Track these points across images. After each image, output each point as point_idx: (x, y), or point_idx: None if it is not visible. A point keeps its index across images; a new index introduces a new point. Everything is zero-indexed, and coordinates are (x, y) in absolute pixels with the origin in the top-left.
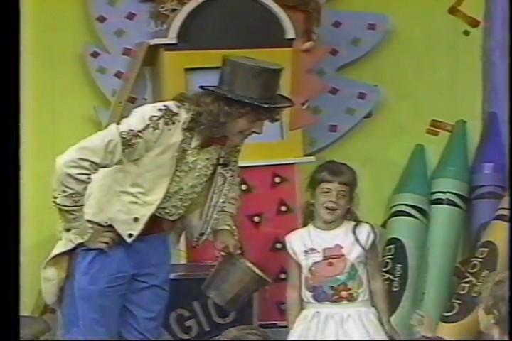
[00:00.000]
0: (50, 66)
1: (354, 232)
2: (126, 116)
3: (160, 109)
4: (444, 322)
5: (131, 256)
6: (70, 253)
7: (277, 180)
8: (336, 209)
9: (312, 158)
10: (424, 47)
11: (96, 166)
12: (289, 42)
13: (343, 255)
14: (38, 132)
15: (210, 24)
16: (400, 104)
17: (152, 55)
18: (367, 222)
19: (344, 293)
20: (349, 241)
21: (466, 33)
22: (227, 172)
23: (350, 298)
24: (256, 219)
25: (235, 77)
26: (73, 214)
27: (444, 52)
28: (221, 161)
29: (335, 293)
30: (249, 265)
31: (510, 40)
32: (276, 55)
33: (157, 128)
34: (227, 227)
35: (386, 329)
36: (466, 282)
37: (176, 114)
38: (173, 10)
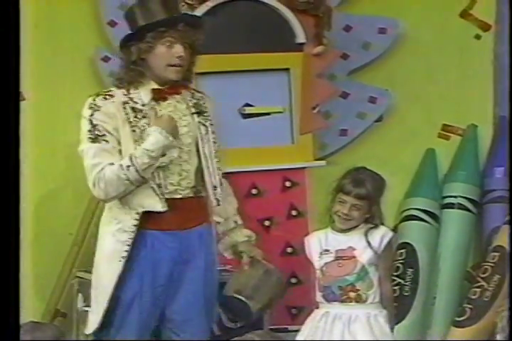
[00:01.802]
0: (60, 70)
1: (366, 235)
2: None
3: (90, 96)
4: (456, 326)
5: (162, 255)
6: None
7: (288, 184)
8: (349, 220)
9: (323, 163)
10: (435, 51)
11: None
12: (299, 47)
13: (354, 256)
14: (48, 137)
15: (220, 28)
16: (411, 108)
17: None
18: (384, 226)
19: (352, 294)
20: (362, 244)
21: (478, 36)
22: (206, 121)
23: (359, 299)
24: (266, 223)
25: (132, 19)
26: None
27: (455, 56)
28: (193, 110)
29: (343, 293)
30: (280, 274)
31: (510, 44)
32: (286, 59)
33: (99, 107)
34: (246, 238)
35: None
36: (478, 287)
37: (109, 90)
38: None
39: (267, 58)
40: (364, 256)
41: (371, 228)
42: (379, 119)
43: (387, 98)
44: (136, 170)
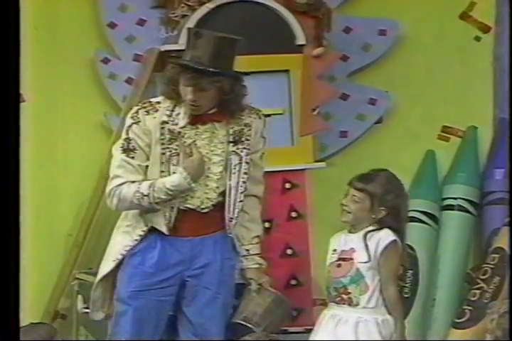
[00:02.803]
0: (60, 72)
1: (365, 238)
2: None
3: (137, 105)
4: (456, 328)
5: (171, 258)
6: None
7: (288, 185)
8: (347, 213)
9: (323, 164)
10: (435, 53)
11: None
12: (299, 48)
13: (351, 258)
14: (48, 139)
15: (221, 30)
16: (410, 109)
17: (163, 61)
18: (389, 229)
19: (344, 296)
20: (360, 246)
21: (478, 38)
22: (242, 151)
23: (350, 302)
24: (266, 225)
25: (188, 44)
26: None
27: (455, 58)
28: (230, 139)
29: (337, 295)
30: (288, 303)
31: (510, 45)
32: (286, 61)
33: (138, 121)
34: (256, 266)
35: (394, 336)
36: (478, 288)
37: (157, 103)
38: (184, 16)
39: (267, 60)
40: (360, 258)
41: (372, 230)
42: (379, 121)
43: (387, 100)
44: (150, 202)
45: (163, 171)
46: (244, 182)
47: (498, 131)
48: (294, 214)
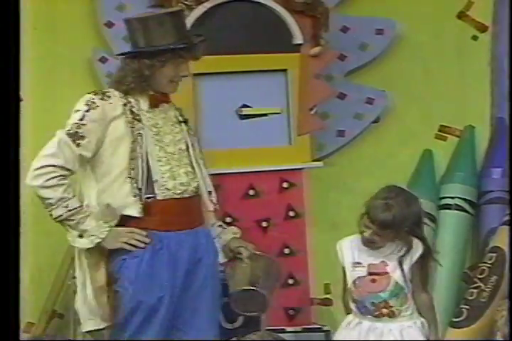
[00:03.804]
0: (58, 71)
1: (400, 256)
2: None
3: (91, 92)
4: (453, 327)
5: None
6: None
7: (285, 185)
8: (372, 243)
9: (320, 163)
10: (432, 52)
11: (61, 168)
12: (296, 48)
13: (387, 272)
14: (45, 137)
15: (218, 29)
16: (408, 109)
17: None
18: (415, 236)
19: (385, 310)
20: (394, 260)
21: (475, 38)
22: (190, 129)
23: (392, 315)
24: (264, 224)
25: (143, 31)
26: (73, 220)
27: (452, 57)
28: (181, 119)
29: (376, 309)
30: (276, 261)
31: (509, 45)
32: (284, 60)
33: (97, 106)
34: (234, 235)
35: (430, 339)
36: (475, 287)
37: (107, 91)
38: None
39: (265, 59)
40: (397, 272)
41: (401, 245)
42: (376, 120)
43: (385, 99)
44: (58, 219)
45: (133, 151)
46: (202, 158)
47: (495, 130)
48: (291, 214)
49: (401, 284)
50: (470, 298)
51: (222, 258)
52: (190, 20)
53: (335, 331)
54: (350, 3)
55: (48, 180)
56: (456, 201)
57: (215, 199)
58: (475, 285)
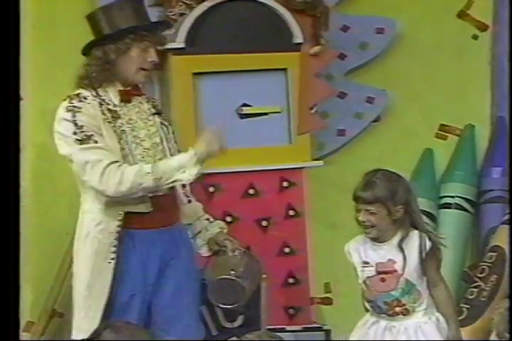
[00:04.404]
0: (57, 70)
1: (402, 248)
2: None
3: (64, 100)
4: None
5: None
6: None
7: (285, 184)
8: (371, 227)
9: (320, 163)
10: (432, 52)
11: (111, 163)
12: (297, 47)
13: (395, 270)
14: (45, 137)
15: (218, 28)
16: (408, 108)
17: (160, 60)
18: (420, 230)
19: (398, 309)
20: (400, 256)
21: (475, 37)
22: (165, 121)
23: (406, 313)
24: (264, 223)
25: (105, 21)
26: (162, 174)
27: (452, 57)
28: (153, 111)
29: (389, 308)
30: (259, 260)
31: (509, 44)
32: (284, 59)
33: (80, 108)
34: (220, 230)
35: (450, 334)
36: (475, 287)
37: (79, 93)
38: (182, 14)
39: (265, 58)
40: (406, 269)
41: (404, 238)
42: (376, 119)
43: (385, 98)
44: (154, 179)
45: (123, 149)
46: (178, 150)
47: (495, 129)
48: (291, 213)
49: (411, 281)
50: (470, 297)
51: (206, 252)
52: (190, 19)
53: (335, 330)
54: (351, 2)
55: (119, 177)
56: (457, 200)
57: (188, 191)
58: (475, 284)
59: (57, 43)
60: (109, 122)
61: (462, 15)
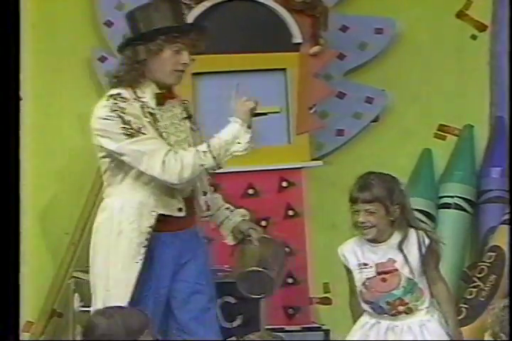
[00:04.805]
0: (57, 70)
1: (401, 249)
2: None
3: (107, 100)
4: None
5: (166, 253)
6: None
7: (284, 184)
8: (371, 227)
9: (319, 163)
10: (431, 52)
11: (168, 151)
12: (296, 47)
13: (396, 269)
14: (45, 137)
15: (218, 28)
16: (407, 108)
17: None
18: (417, 229)
19: (401, 308)
20: (402, 255)
21: (474, 37)
22: (195, 125)
23: (409, 311)
24: (263, 223)
25: (141, 20)
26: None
27: (451, 57)
28: (185, 115)
29: (391, 308)
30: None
31: (509, 43)
32: (283, 59)
33: (124, 109)
34: (243, 218)
35: (450, 332)
36: (474, 286)
37: (119, 93)
38: None
39: (264, 58)
40: (406, 268)
41: (403, 239)
42: (375, 119)
43: (384, 98)
44: (213, 157)
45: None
46: None
47: (494, 129)
48: (290, 213)
49: (413, 279)
50: (469, 297)
51: (231, 241)
52: (189, 19)
53: (334, 330)
54: (350, 2)
55: (180, 163)
56: (456, 200)
57: (209, 201)
58: (474, 284)
59: (57, 43)
60: (152, 125)
61: (461, 15)
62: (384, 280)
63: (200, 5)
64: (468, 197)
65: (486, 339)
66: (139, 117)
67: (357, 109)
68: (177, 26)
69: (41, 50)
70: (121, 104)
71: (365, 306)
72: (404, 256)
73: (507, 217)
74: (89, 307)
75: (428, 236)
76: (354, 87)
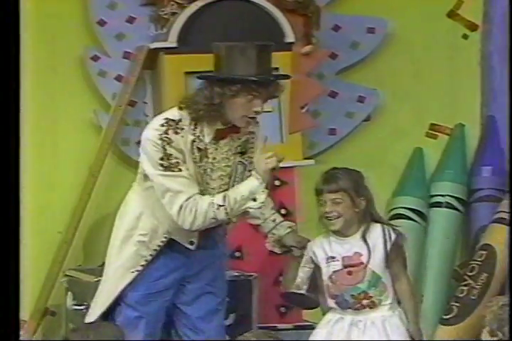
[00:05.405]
0: (50, 69)
1: (364, 239)
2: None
3: (162, 125)
4: (443, 324)
5: (176, 260)
6: None
7: (277, 183)
8: (338, 217)
9: (312, 162)
10: (423, 51)
11: (189, 198)
12: (288, 46)
13: (362, 263)
14: (39, 136)
15: (210, 28)
16: (399, 107)
17: (152, 59)
18: (382, 223)
19: (365, 302)
20: (365, 248)
21: (465, 36)
22: (246, 160)
23: (372, 306)
24: None
25: (225, 58)
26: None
27: (442, 56)
28: (239, 149)
29: (356, 302)
30: None
31: (509, 43)
32: (275, 58)
33: (171, 141)
34: (288, 230)
35: (410, 329)
36: (465, 285)
37: (179, 120)
38: (173, 14)
39: None
40: (372, 261)
41: (365, 231)
42: (367, 118)
43: (376, 97)
44: (226, 212)
45: (201, 190)
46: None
47: (485, 128)
48: (283, 212)
49: (377, 273)
50: (460, 295)
51: (278, 250)
52: (182, 18)
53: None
54: (342, 2)
55: (194, 214)
56: (447, 199)
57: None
58: (465, 282)
59: (57, 43)
60: (195, 162)
61: (452, 15)
62: (350, 273)
63: (192, 4)
64: (460, 196)
65: (483, 336)
66: (183, 152)
67: (349, 108)
68: (254, 80)
69: (33, 50)
70: (171, 136)
71: (330, 302)
72: (369, 249)
73: (499, 215)
74: (82, 305)
75: (394, 231)
76: (346, 87)
